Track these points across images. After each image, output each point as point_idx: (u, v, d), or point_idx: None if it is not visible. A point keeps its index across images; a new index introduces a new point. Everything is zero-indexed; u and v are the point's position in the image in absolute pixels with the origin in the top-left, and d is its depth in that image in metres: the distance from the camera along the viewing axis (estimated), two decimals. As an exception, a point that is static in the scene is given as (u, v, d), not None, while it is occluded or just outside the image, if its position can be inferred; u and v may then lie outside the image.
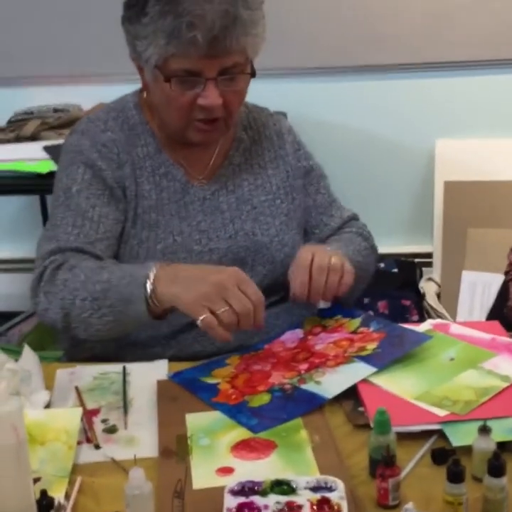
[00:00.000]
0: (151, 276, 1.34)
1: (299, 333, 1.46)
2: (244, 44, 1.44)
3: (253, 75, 1.49)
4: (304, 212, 1.66)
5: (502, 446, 1.10)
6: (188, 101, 1.45)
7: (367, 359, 1.34)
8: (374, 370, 1.31)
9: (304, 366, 1.36)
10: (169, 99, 1.47)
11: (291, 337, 1.46)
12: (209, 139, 1.55)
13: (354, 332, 1.42)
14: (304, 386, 1.30)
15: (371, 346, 1.37)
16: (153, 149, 1.57)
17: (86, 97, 2.87)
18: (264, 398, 1.29)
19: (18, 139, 2.67)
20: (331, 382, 1.30)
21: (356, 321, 1.45)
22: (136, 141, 1.56)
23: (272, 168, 1.64)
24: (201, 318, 1.28)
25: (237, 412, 1.26)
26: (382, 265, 2.86)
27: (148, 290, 1.33)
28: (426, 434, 1.18)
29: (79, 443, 1.20)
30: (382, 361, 1.32)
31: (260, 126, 1.66)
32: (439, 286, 2.84)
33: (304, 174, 1.67)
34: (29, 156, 2.45)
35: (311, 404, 1.26)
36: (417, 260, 2.98)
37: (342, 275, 1.44)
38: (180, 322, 1.46)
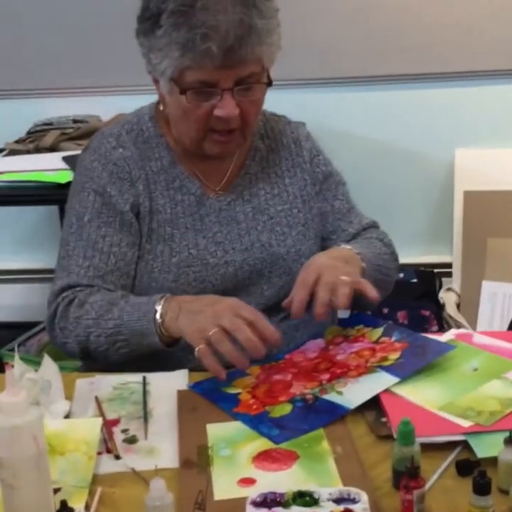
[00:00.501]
0: (159, 309, 1.39)
1: (320, 342, 1.45)
2: (260, 53, 1.43)
3: (270, 84, 1.48)
4: (321, 218, 1.65)
5: (528, 457, 1.08)
6: (204, 113, 1.45)
7: (389, 369, 1.32)
8: (397, 380, 1.29)
9: (325, 376, 1.34)
10: (185, 111, 1.46)
11: (312, 347, 1.44)
12: (226, 151, 1.54)
13: (376, 342, 1.41)
14: (325, 396, 1.29)
15: (393, 356, 1.35)
16: (167, 163, 1.56)
17: (105, 108, 2.88)
18: (286, 408, 1.28)
19: (38, 150, 2.68)
20: (353, 393, 1.29)
21: (378, 331, 1.43)
22: (150, 155, 1.56)
23: (289, 177, 1.63)
24: (197, 348, 1.32)
25: (258, 422, 1.25)
26: (401, 275, 2.84)
27: (158, 324, 1.38)
28: (450, 445, 1.16)
29: (99, 453, 1.19)
30: (405, 371, 1.31)
31: (277, 134, 1.65)
32: (459, 296, 2.82)
33: (322, 180, 1.65)
34: (48, 167, 2.46)
35: (333, 415, 1.25)
36: (436, 270, 2.96)
37: (359, 287, 1.39)
38: None
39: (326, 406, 1.27)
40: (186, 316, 1.36)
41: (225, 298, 1.39)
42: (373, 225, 1.71)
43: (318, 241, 1.64)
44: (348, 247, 1.53)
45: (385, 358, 1.35)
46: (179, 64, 1.42)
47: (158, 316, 1.39)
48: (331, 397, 1.29)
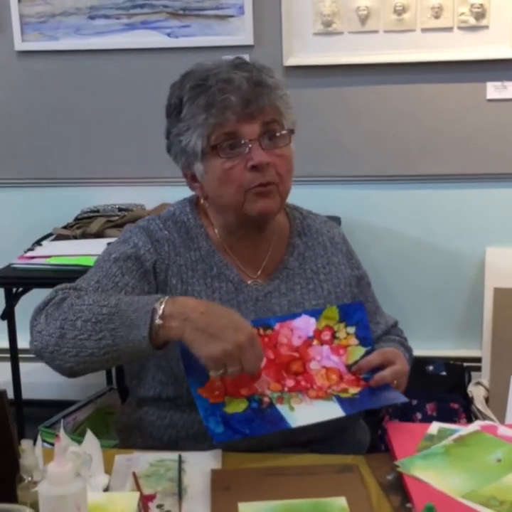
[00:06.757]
0: (160, 306, 1.37)
1: (312, 324, 1.52)
2: (275, 102, 1.54)
3: (292, 132, 1.57)
4: None
5: (548, 547, 1.12)
6: (239, 171, 1.52)
7: (342, 402, 1.42)
8: (342, 414, 1.40)
9: (290, 383, 1.45)
10: (222, 177, 1.53)
11: (302, 325, 1.51)
12: (266, 208, 1.56)
13: (349, 366, 1.50)
14: (278, 406, 1.40)
15: (353, 391, 1.46)
16: (205, 252, 1.62)
17: (149, 197, 3.01)
18: (241, 406, 1.39)
19: (84, 236, 2.79)
20: (302, 413, 1.40)
21: (361, 350, 1.52)
22: (190, 245, 1.62)
23: (324, 274, 1.68)
24: (213, 374, 1.36)
25: (211, 413, 1.36)
26: (431, 368, 2.88)
27: (156, 320, 1.36)
28: (473, 533, 1.20)
29: (135, 526, 1.24)
30: (353, 408, 1.42)
31: (314, 233, 1.72)
32: (488, 390, 2.84)
33: (355, 283, 1.72)
34: (94, 252, 2.55)
35: (275, 427, 1.37)
36: (465, 364, 2.98)
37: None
38: None
39: (273, 416, 1.38)
40: (201, 335, 1.35)
41: (236, 319, 1.39)
42: (395, 325, 1.80)
43: None
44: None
45: (345, 390, 1.45)
46: (205, 127, 1.51)
47: (158, 312, 1.36)
48: (283, 409, 1.40)
